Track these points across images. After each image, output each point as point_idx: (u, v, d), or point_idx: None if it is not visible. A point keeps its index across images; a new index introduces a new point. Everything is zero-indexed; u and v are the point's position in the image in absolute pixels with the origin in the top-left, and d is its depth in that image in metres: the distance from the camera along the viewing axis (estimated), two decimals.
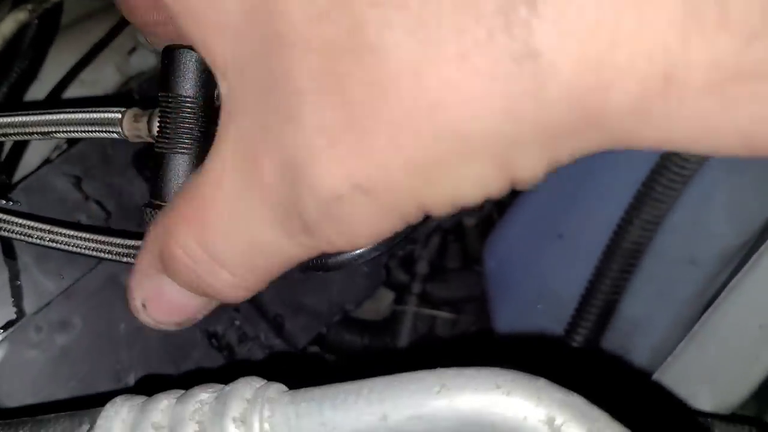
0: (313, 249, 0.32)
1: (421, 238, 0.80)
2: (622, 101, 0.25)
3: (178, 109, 0.38)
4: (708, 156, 0.52)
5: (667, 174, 0.54)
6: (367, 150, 0.27)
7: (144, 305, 0.36)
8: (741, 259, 0.59)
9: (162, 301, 0.36)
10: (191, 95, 0.38)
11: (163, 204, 0.42)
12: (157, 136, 0.40)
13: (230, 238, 0.32)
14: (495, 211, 0.83)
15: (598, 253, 0.60)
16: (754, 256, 0.57)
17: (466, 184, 0.28)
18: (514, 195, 0.73)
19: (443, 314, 0.80)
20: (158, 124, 0.39)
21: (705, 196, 0.57)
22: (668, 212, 0.55)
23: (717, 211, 0.58)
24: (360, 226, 0.30)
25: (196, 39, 0.31)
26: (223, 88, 0.31)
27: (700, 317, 0.60)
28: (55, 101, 0.65)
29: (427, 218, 0.32)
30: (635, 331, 0.62)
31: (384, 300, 0.79)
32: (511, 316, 0.71)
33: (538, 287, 0.69)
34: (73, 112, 0.42)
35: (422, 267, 0.79)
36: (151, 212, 0.46)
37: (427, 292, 0.80)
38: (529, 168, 0.28)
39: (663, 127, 0.25)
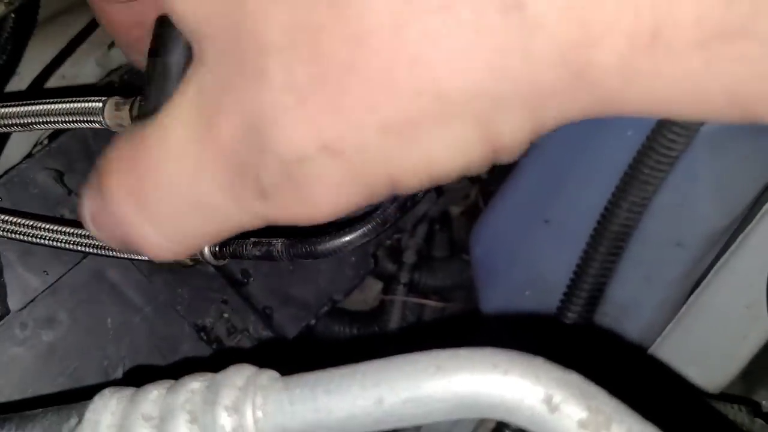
0: (262, 218, 0.30)
1: (408, 228, 0.80)
2: (609, 58, 0.24)
3: (163, 73, 0.37)
4: (695, 123, 0.52)
5: (654, 155, 0.54)
6: (339, 107, 0.26)
7: (93, 219, 0.33)
8: (727, 240, 0.59)
9: (104, 222, 0.32)
10: (176, 61, 0.37)
11: None
12: (140, 102, 0.39)
13: (166, 195, 0.29)
14: (481, 199, 0.83)
15: (585, 237, 0.60)
16: (740, 237, 0.57)
17: (443, 149, 0.26)
18: (498, 182, 0.73)
19: (431, 303, 0.80)
20: (144, 91, 0.38)
21: (691, 178, 0.57)
22: (655, 194, 0.55)
23: (703, 192, 0.58)
24: (322, 194, 0.28)
25: None
26: (193, 44, 0.29)
27: (687, 299, 0.60)
28: (34, 96, 0.64)
29: (394, 199, 0.30)
30: (623, 314, 0.62)
31: (372, 290, 0.79)
32: (499, 303, 0.71)
33: (525, 274, 0.69)
34: (53, 103, 0.41)
35: (409, 256, 0.79)
36: None
37: (414, 281, 0.80)
38: (512, 132, 0.26)
39: (649, 88, 0.25)
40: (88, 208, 0.33)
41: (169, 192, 0.29)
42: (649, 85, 0.25)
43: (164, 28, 0.37)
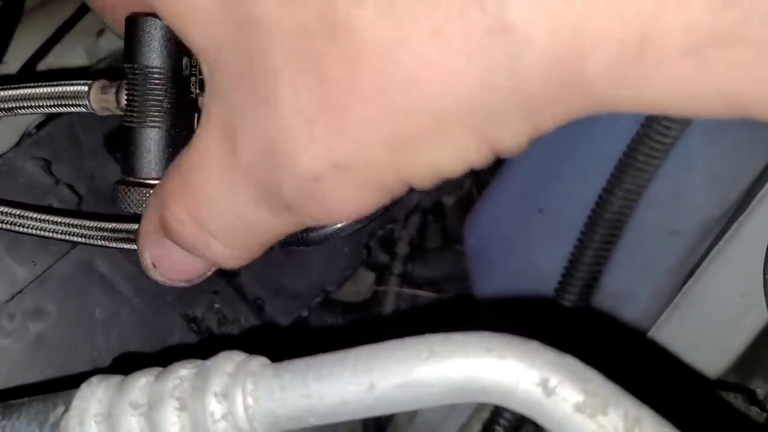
0: (297, 223, 0.33)
1: (401, 218, 0.80)
2: (599, 66, 0.25)
3: (146, 81, 0.37)
4: (690, 119, 0.52)
5: (648, 143, 0.53)
6: (344, 128, 0.28)
7: (154, 265, 0.37)
8: (722, 228, 0.59)
9: (169, 261, 0.37)
10: (158, 66, 0.37)
11: (136, 179, 0.41)
12: (125, 110, 0.38)
13: (217, 213, 0.33)
14: (474, 189, 0.82)
15: (579, 226, 0.60)
16: (735, 225, 0.57)
17: (446, 156, 0.28)
18: (492, 172, 0.73)
19: (425, 294, 0.79)
20: (126, 98, 0.38)
21: (685, 166, 0.57)
22: (650, 182, 0.55)
23: (697, 180, 0.58)
24: (342, 203, 0.30)
25: (177, 25, 0.31)
26: (205, 70, 0.32)
27: (681, 287, 0.60)
28: (19, 80, 0.63)
29: (412, 190, 0.32)
30: (618, 302, 0.62)
31: (365, 281, 0.78)
32: (493, 293, 0.70)
33: (519, 263, 0.68)
34: (38, 86, 0.41)
35: (402, 247, 0.79)
36: (124, 189, 0.44)
37: (408, 272, 0.79)
38: (511, 137, 0.28)
39: (642, 90, 0.25)
40: (150, 252, 0.37)
41: (218, 209, 0.33)
42: (641, 87, 0.25)
43: (140, 29, 0.37)
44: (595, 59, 0.25)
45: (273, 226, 0.33)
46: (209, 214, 0.33)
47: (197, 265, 0.37)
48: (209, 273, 0.39)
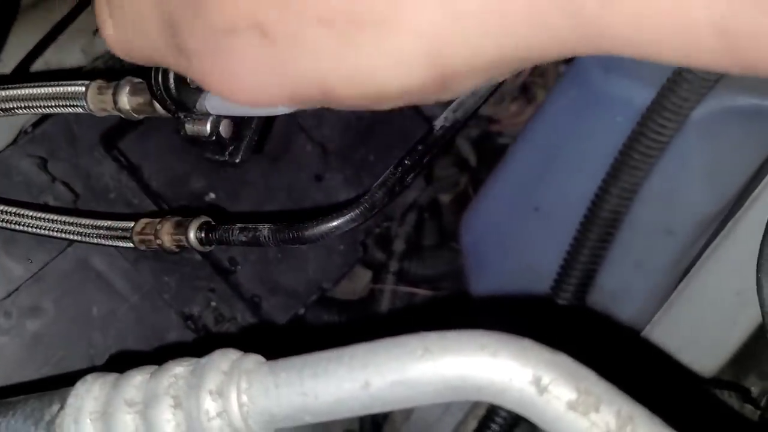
0: (185, 73, 0.30)
1: (397, 216, 0.80)
2: None
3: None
4: (685, 109, 0.52)
5: (644, 141, 0.54)
6: None
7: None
8: (717, 227, 0.59)
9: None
10: None
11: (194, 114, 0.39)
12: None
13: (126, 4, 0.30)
14: (470, 187, 0.83)
15: (575, 225, 0.60)
16: (730, 223, 0.57)
17: (382, 57, 0.24)
18: (489, 170, 0.73)
19: (421, 291, 0.80)
20: None
21: (681, 164, 0.57)
22: (645, 180, 0.55)
23: (693, 178, 0.58)
24: (242, 73, 0.27)
25: None
26: None
27: (677, 286, 0.60)
28: (17, 80, 0.63)
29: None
30: (613, 300, 0.62)
31: (361, 279, 0.78)
32: (488, 291, 0.70)
33: (515, 261, 0.68)
34: (35, 87, 0.41)
35: (399, 245, 0.79)
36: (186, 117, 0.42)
37: (404, 270, 0.79)
38: (467, 57, 0.24)
39: (630, 14, 0.22)
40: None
41: (125, 10, 0.30)
42: (629, 12, 0.22)
43: None
44: None
45: (164, 56, 0.30)
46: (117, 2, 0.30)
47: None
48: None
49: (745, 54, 0.21)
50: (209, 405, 0.29)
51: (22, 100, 0.42)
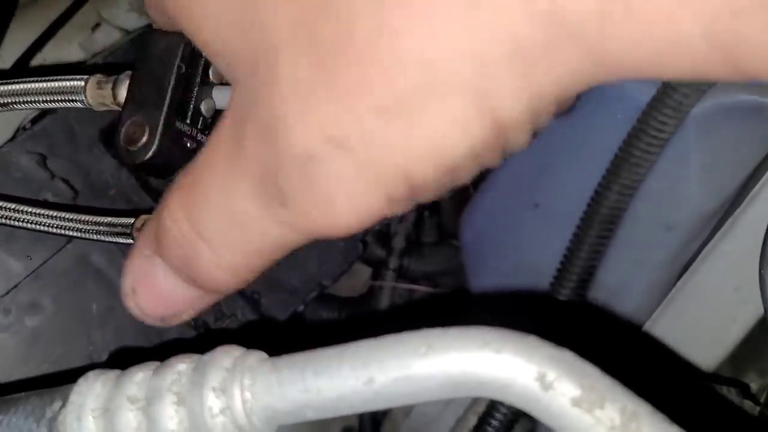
0: (294, 227, 0.30)
1: None
2: (584, 9, 0.24)
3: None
4: (685, 105, 0.52)
5: (645, 138, 0.53)
6: (336, 96, 0.26)
7: (133, 290, 0.35)
8: (716, 223, 0.59)
9: (152, 284, 0.34)
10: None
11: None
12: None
13: (213, 211, 0.31)
14: (470, 183, 0.82)
15: (575, 221, 0.60)
16: (729, 220, 0.57)
17: (444, 127, 0.26)
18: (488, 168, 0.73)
19: (421, 288, 0.80)
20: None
21: (680, 161, 0.57)
22: (646, 176, 0.55)
23: (692, 175, 0.58)
24: (338, 195, 0.27)
25: (190, 31, 0.31)
26: (228, 73, 0.31)
27: (676, 282, 0.60)
28: (15, 75, 0.63)
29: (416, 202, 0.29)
30: (613, 297, 0.62)
31: (361, 276, 0.78)
32: (488, 288, 0.70)
33: (515, 258, 0.69)
34: (34, 81, 0.40)
35: (399, 242, 0.79)
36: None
37: (404, 266, 0.79)
38: (509, 100, 0.26)
39: (628, 37, 0.24)
40: (134, 271, 0.35)
41: (214, 206, 0.30)
42: (626, 32, 0.24)
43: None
44: (578, 2, 0.24)
45: (267, 231, 0.30)
46: (205, 212, 0.31)
47: (180, 295, 0.34)
48: (187, 313, 0.36)
49: (744, 65, 0.23)
50: (212, 402, 0.29)
51: (20, 95, 0.42)
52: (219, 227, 0.31)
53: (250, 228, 0.30)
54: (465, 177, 0.29)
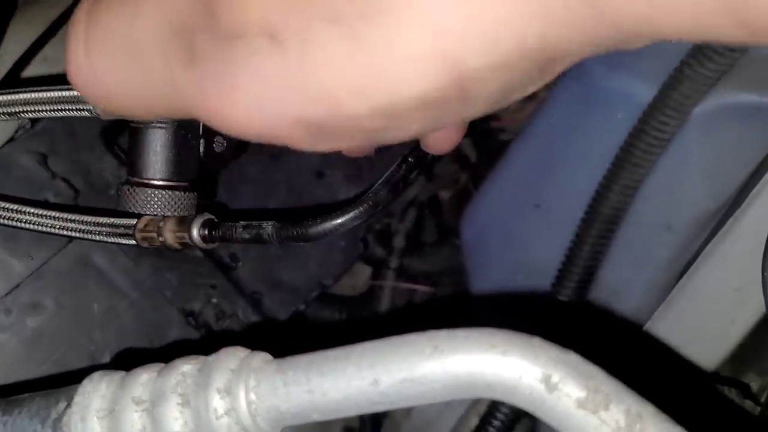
0: (182, 93, 0.26)
1: (398, 213, 0.80)
2: None
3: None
4: (686, 106, 0.52)
5: (646, 138, 0.54)
6: None
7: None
8: (717, 223, 0.59)
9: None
10: None
11: (141, 180, 0.41)
12: None
13: (108, 34, 0.27)
14: (471, 183, 0.83)
15: (575, 221, 0.60)
16: (730, 220, 0.57)
17: (397, 59, 0.22)
18: (490, 166, 0.73)
19: (421, 288, 0.80)
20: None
21: (681, 161, 0.57)
22: (647, 176, 0.55)
23: (693, 175, 0.58)
24: (249, 87, 0.24)
25: None
26: None
27: (677, 282, 0.60)
28: (16, 79, 0.63)
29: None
30: (613, 297, 0.62)
31: (361, 275, 0.78)
32: (489, 288, 0.71)
33: (516, 258, 0.69)
34: (41, 91, 0.40)
35: (399, 241, 0.79)
36: (129, 190, 0.44)
37: (404, 266, 0.79)
38: (479, 52, 0.22)
39: None
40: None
41: (110, 32, 0.27)
42: None
43: None
44: None
45: (157, 81, 0.26)
46: (98, 34, 0.27)
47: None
48: None
49: (755, 26, 0.20)
50: (217, 403, 0.29)
51: (27, 104, 0.41)
52: (108, 53, 0.28)
53: (139, 69, 0.27)
54: (407, 129, 0.24)
